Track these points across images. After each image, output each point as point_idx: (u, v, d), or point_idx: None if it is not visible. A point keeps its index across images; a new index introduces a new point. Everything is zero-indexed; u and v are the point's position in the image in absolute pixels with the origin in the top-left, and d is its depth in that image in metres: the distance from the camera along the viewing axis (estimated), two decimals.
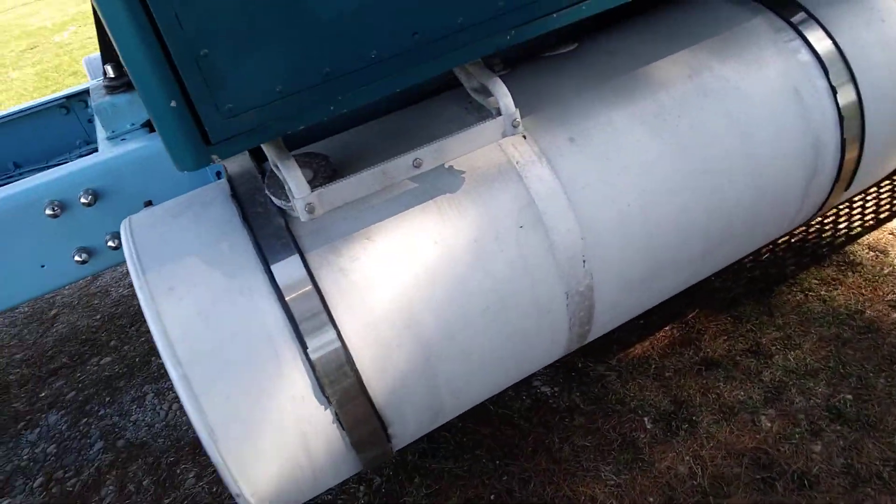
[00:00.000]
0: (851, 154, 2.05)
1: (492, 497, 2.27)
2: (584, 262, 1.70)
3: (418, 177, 1.59)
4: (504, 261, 1.61)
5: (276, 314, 1.43)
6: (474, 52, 1.39)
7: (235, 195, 1.58)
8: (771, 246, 3.02)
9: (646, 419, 2.39)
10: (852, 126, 2.00)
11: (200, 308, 1.41)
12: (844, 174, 2.08)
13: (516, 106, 1.74)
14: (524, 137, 1.70)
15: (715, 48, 1.91)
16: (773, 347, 2.53)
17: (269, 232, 1.49)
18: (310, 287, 1.45)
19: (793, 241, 3.04)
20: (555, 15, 1.45)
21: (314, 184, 1.53)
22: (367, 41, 1.27)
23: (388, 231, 1.54)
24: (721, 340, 2.63)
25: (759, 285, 2.84)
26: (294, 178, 1.36)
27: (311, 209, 1.37)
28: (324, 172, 1.56)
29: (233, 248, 1.48)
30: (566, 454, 2.34)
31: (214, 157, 1.24)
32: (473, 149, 1.53)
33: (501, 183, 1.64)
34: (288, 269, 1.46)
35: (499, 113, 1.52)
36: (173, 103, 1.16)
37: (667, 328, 2.76)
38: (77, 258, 2.05)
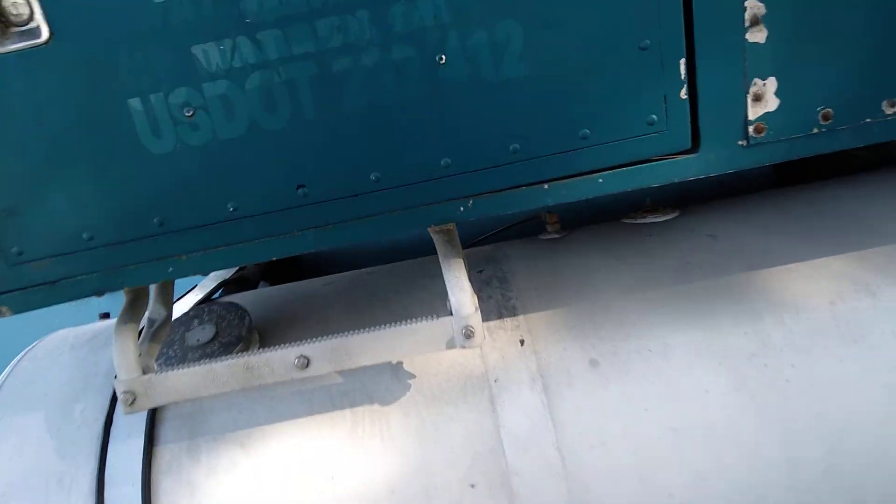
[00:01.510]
0: None
1: None
2: None
3: (346, 371, 1.13)
4: None
5: None
6: (401, 223, 0.92)
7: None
8: None
9: None
10: None
11: (9, 488, 1.09)
12: None
13: (534, 289, 1.22)
14: (521, 343, 1.14)
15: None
16: None
17: None
18: (138, 499, 1.05)
19: None
20: (545, 187, 0.92)
21: (207, 347, 1.15)
22: (222, 190, 0.88)
23: (272, 442, 1.09)
24: None
25: None
26: (121, 352, 0.98)
27: (129, 399, 0.98)
28: (228, 335, 1.17)
29: (83, 413, 1.14)
30: None
31: (3, 309, 0.92)
32: (398, 357, 1.03)
33: (461, 407, 1.09)
34: (123, 466, 1.08)
35: (451, 311, 1.00)
36: None
37: None
38: None
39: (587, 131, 0.88)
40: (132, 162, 0.85)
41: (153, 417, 1.12)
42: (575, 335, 1.14)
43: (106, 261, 0.90)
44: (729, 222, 1.33)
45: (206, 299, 1.42)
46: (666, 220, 1.39)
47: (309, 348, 0.99)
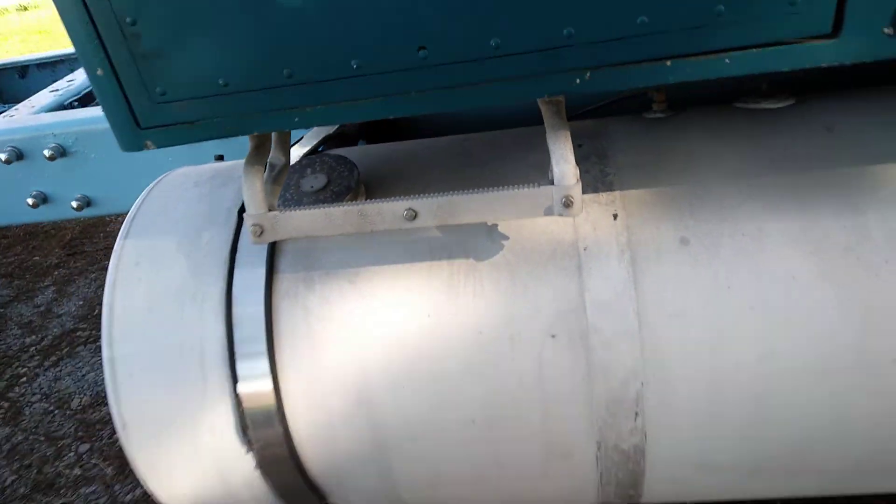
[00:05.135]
0: None
1: None
2: (636, 414, 1.17)
3: (447, 227, 1.21)
4: (512, 372, 1.17)
5: (218, 333, 1.23)
6: (516, 91, 0.94)
7: None
8: None
9: None
10: None
11: (151, 298, 1.27)
12: None
13: (633, 166, 1.24)
14: (614, 217, 1.18)
15: None
16: None
17: None
18: (261, 315, 1.21)
19: None
20: (665, 64, 0.90)
21: (319, 194, 1.25)
22: (346, 47, 0.91)
23: (377, 282, 1.21)
24: None
25: None
26: (251, 190, 1.09)
27: (258, 231, 1.10)
28: (338, 185, 1.26)
29: (211, 242, 1.29)
30: None
31: (148, 143, 1.03)
32: (499, 219, 1.09)
33: (547, 268, 1.17)
34: (247, 288, 1.23)
35: (552, 181, 1.04)
36: (100, 71, 0.96)
37: None
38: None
39: (722, 8, 0.84)
40: (264, 14, 0.89)
41: (273, 250, 1.26)
42: (670, 214, 1.17)
43: (239, 107, 0.97)
44: (849, 114, 1.27)
45: (311, 153, 1.51)
46: (781, 108, 1.33)
47: (417, 202, 1.07)
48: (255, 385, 1.21)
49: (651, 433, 1.19)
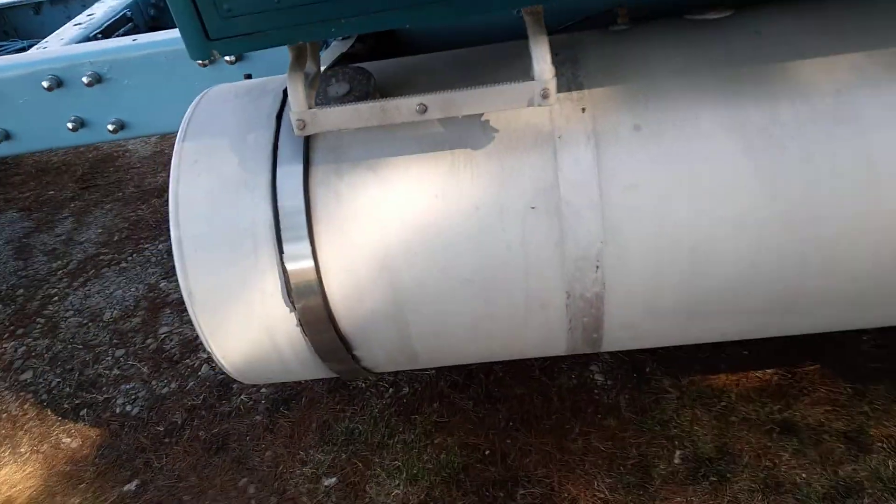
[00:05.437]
0: None
1: (486, 452, 2.27)
2: (596, 267, 1.50)
3: (448, 122, 1.50)
4: (502, 240, 1.49)
5: (267, 215, 1.52)
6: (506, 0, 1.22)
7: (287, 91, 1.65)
8: None
9: (677, 452, 2.13)
10: None
11: (211, 188, 1.55)
12: None
13: (599, 69, 1.52)
14: (583, 111, 1.48)
15: None
16: (879, 445, 2.03)
17: (291, 135, 1.54)
18: (301, 201, 1.50)
19: None
20: None
21: (344, 99, 1.53)
22: None
23: (394, 170, 1.50)
24: (820, 409, 2.17)
25: None
26: (295, 92, 1.37)
27: (301, 126, 1.39)
28: (359, 91, 1.54)
29: (256, 142, 1.57)
30: (577, 447, 2.21)
31: (214, 52, 1.30)
32: (491, 109, 1.38)
33: (529, 154, 1.47)
34: (289, 178, 1.52)
35: (533, 78, 1.33)
36: None
37: (768, 371, 2.34)
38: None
39: None
40: None
41: (307, 147, 1.54)
42: (627, 106, 1.47)
43: (288, 20, 1.24)
44: (775, 23, 1.55)
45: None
46: (721, 18, 1.62)
47: (427, 98, 1.36)
48: (298, 258, 1.52)
49: (609, 283, 1.52)
